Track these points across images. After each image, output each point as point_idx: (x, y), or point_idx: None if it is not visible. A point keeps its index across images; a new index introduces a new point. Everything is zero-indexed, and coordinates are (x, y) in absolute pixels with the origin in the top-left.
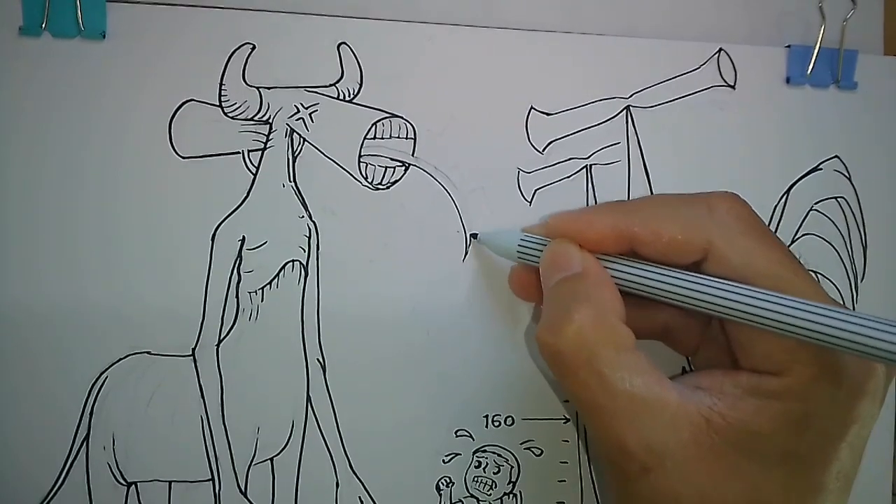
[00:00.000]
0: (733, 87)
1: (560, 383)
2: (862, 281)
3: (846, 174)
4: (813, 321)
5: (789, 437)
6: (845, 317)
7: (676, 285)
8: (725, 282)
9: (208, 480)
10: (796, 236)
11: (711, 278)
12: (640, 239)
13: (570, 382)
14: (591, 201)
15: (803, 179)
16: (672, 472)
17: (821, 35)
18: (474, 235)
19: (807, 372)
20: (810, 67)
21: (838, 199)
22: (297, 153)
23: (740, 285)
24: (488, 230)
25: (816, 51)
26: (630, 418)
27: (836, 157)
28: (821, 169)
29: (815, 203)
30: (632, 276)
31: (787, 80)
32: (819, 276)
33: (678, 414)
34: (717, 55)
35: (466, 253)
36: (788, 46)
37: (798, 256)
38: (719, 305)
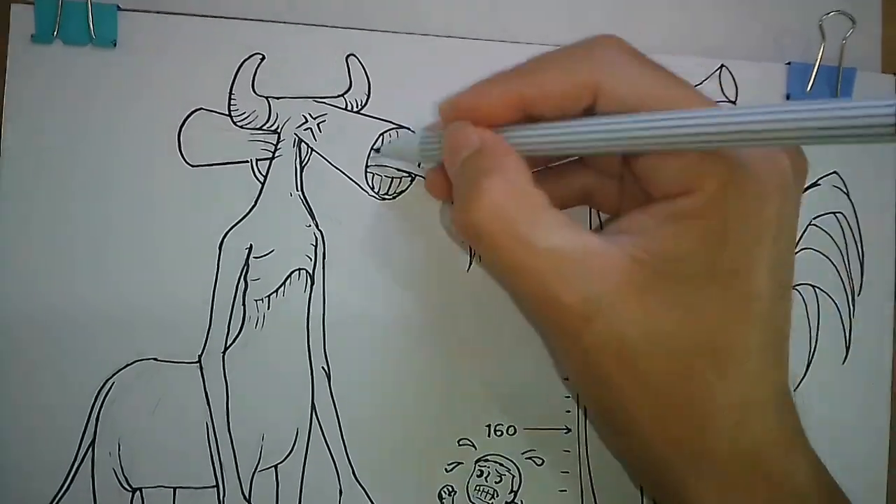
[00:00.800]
0: (734, 102)
1: (484, 258)
2: (859, 295)
3: (844, 190)
4: (707, 125)
5: (712, 252)
6: (736, 112)
7: (571, 133)
8: (616, 116)
9: (213, 487)
10: (795, 251)
11: (603, 117)
12: (529, 98)
13: (493, 253)
14: (593, 213)
15: (802, 195)
16: (612, 316)
17: (821, 52)
18: (377, 150)
19: (713, 183)
20: (810, 84)
21: (836, 215)
22: (304, 163)
23: (631, 115)
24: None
25: (816, 68)
26: (559, 274)
27: (834, 172)
28: (819, 184)
29: (814, 218)
30: (528, 139)
31: (788, 97)
32: (817, 289)
33: (605, 260)
34: (718, 71)
35: (471, 262)
36: (789, 63)
37: (797, 271)
38: (615, 140)
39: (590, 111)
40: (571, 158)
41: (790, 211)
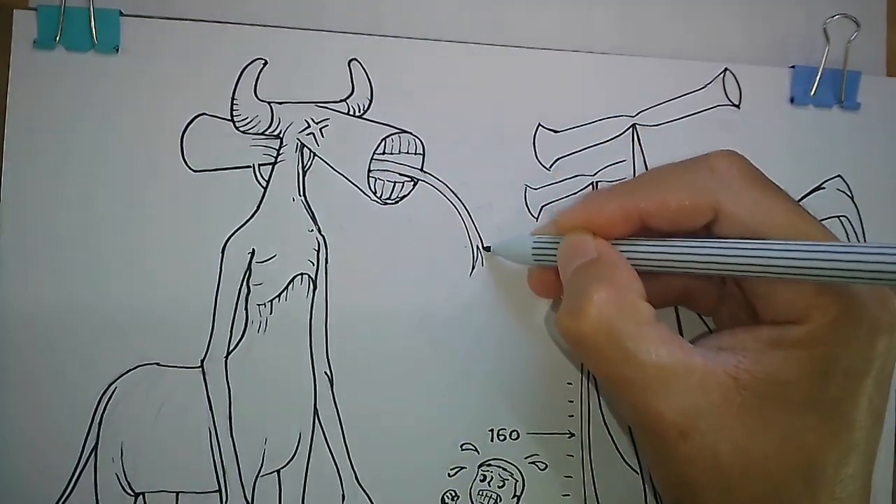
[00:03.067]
0: (738, 106)
1: (587, 365)
2: None
3: (848, 193)
4: (827, 260)
5: (816, 382)
6: (858, 249)
7: (688, 254)
8: (735, 241)
9: (215, 492)
10: None
11: (721, 240)
12: (648, 212)
13: (597, 362)
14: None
15: (807, 198)
16: (708, 433)
17: (825, 56)
18: (487, 248)
19: (826, 316)
20: (814, 88)
21: (841, 218)
22: (307, 167)
23: (750, 241)
24: (497, 241)
25: (820, 72)
26: (661, 388)
27: (838, 176)
28: (824, 188)
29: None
30: (644, 254)
31: (792, 101)
32: None
33: (706, 377)
34: (722, 75)
35: (474, 267)
36: (793, 67)
37: None
38: (732, 265)
39: (706, 230)
40: None
41: (895, 346)
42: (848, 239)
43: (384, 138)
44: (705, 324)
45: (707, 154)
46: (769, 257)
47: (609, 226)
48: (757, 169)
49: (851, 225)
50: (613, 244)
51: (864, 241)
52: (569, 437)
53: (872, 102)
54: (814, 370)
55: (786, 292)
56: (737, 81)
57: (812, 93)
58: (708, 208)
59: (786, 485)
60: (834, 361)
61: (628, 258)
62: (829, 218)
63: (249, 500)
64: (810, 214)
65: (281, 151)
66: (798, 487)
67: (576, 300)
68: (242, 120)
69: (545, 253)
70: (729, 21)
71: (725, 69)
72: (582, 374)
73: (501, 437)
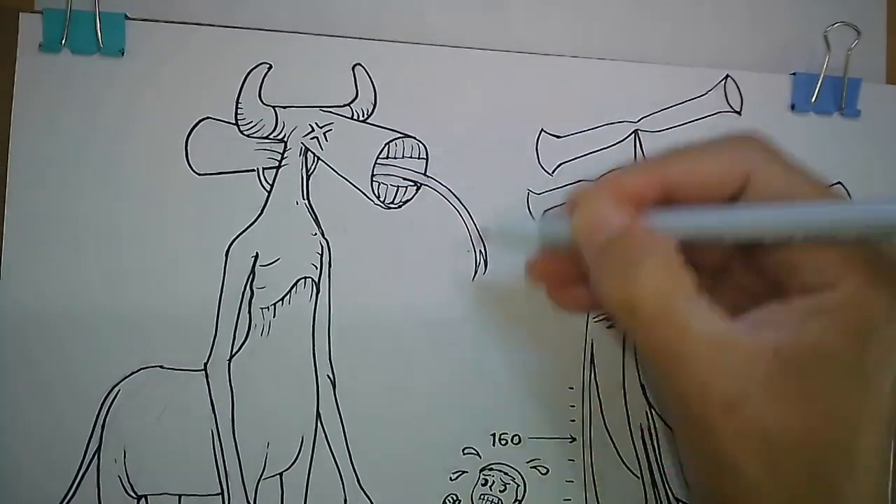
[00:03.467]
0: (739, 113)
1: (633, 335)
2: None
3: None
4: (865, 216)
5: (855, 348)
6: (886, 206)
7: (725, 218)
8: (771, 204)
9: (218, 494)
10: None
11: (758, 204)
12: (674, 181)
13: (646, 331)
14: None
15: None
16: (755, 406)
17: (825, 63)
18: (484, 233)
19: (859, 278)
20: (815, 95)
21: None
22: (311, 171)
23: (790, 204)
24: (496, 224)
25: (821, 79)
26: (709, 360)
27: (838, 183)
28: None
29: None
30: (679, 223)
31: (792, 107)
32: None
33: (749, 351)
34: (723, 82)
35: (476, 272)
36: (794, 74)
37: None
38: (776, 229)
39: (734, 200)
40: None
41: None
42: None
43: (388, 143)
44: None
45: (737, 133)
46: (810, 218)
47: (636, 193)
48: (781, 148)
49: None
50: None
51: None
52: (570, 442)
53: (872, 110)
54: (851, 336)
55: (817, 257)
56: (738, 88)
57: (813, 100)
58: (740, 177)
59: (829, 458)
60: (870, 325)
61: (664, 227)
62: None
63: (252, 502)
64: (837, 190)
65: (285, 155)
66: (838, 459)
67: (622, 270)
68: (247, 124)
69: (558, 235)
70: (730, 28)
71: (727, 76)
72: (583, 378)
73: (503, 442)
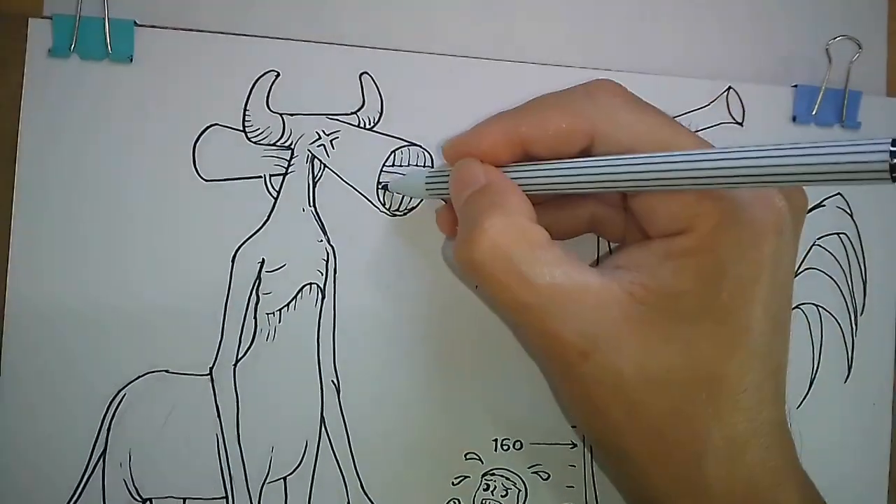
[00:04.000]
0: (741, 124)
1: (485, 292)
2: (861, 315)
3: (848, 211)
4: (697, 167)
5: (708, 289)
6: (725, 154)
7: (568, 173)
8: (609, 157)
9: (222, 498)
10: (799, 270)
11: (600, 158)
12: (528, 137)
13: (493, 289)
14: (602, 242)
15: (807, 215)
16: (609, 351)
17: (827, 76)
18: (385, 186)
19: (709, 222)
20: (816, 107)
21: (840, 235)
22: (317, 179)
23: (622, 157)
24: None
25: (822, 91)
26: (558, 310)
27: (838, 194)
28: (824, 205)
29: (818, 238)
30: (529, 177)
31: (794, 119)
32: (820, 309)
33: (602, 295)
34: (726, 93)
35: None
36: (795, 86)
37: (801, 290)
38: (610, 180)
39: (586, 153)
40: None
41: (786, 249)
42: (847, 257)
43: (394, 151)
44: None
45: (587, 82)
46: (643, 169)
47: (493, 151)
48: (633, 94)
49: (850, 242)
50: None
51: (863, 260)
52: (571, 448)
53: (873, 122)
54: (704, 278)
55: (668, 204)
56: (740, 100)
57: (814, 112)
58: (584, 132)
59: (689, 397)
60: (722, 267)
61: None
62: (828, 235)
63: None
64: (687, 129)
65: (292, 162)
66: (700, 397)
67: (468, 229)
68: (254, 131)
69: (439, 185)
70: (733, 41)
71: (729, 87)
72: None
73: (505, 447)
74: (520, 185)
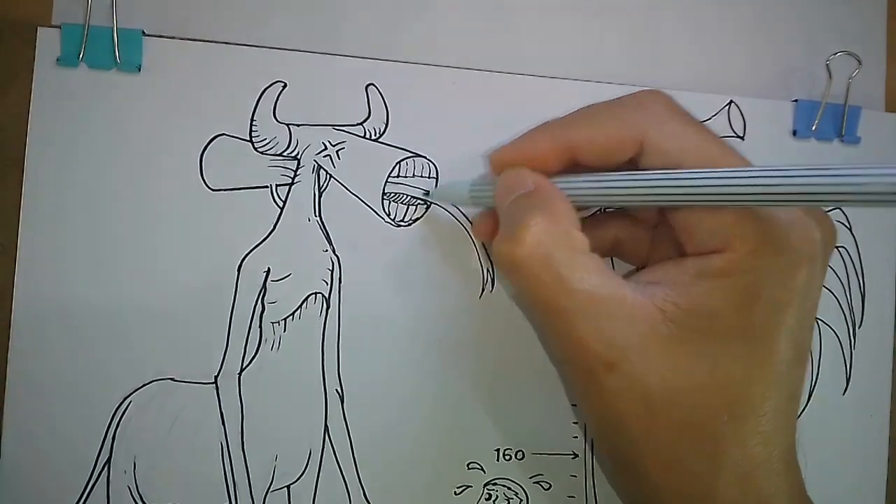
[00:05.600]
0: (742, 137)
1: (519, 292)
2: (860, 327)
3: (847, 225)
4: (742, 185)
5: (740, 311)
6: (768, 173)
7: (617, 186)
8: (658, 171)
9: None
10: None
11: (646, 171)
12: (577, 146)
13: (529, 287)
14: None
15: None
16: (636, 364)
17: (827, 91)
18: (426, 193)
19: (747, 244)
20: (816, 122)
21: (839, 249)
22: (323, 189)
23: (672, 171)
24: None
25: (822, 106)
26: (590, 317)
27: (838, 208)
28: None
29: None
30: (578, 188)
31: (794, 133)
32: (819, 322)
33: (634, 308)
34: (727, 107)
35: (483, 290)
36: (796, 101)
37: None
38: (657, 194)
39: (633, 163)
40: (609, 209)
41: (817, 280)
42: (846, 271)
43: (399, 161)
44: None
45: (635, 92)
46: (688, 185)
47: (542, 160)
48: (681, 107)
49: (850, 256)
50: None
51: (862, 273)
52: (573, 458)
53: (871, 137)
54: (737, 299)
55: (707, 222)
56: (741, 113)
57: (814, 126)
58: (634, 141)
59: (711, 416)
60: (756, 290)
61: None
62: None
63: None
64: (729, 145)
65: (298, 172)
66: (723, 419)
67: (512, 227)
68: (261, 141)
69: (483, 194)
70: (735, 55)
71: (731, 101)
72: None
73: (507, 457)
74: (567, 195)
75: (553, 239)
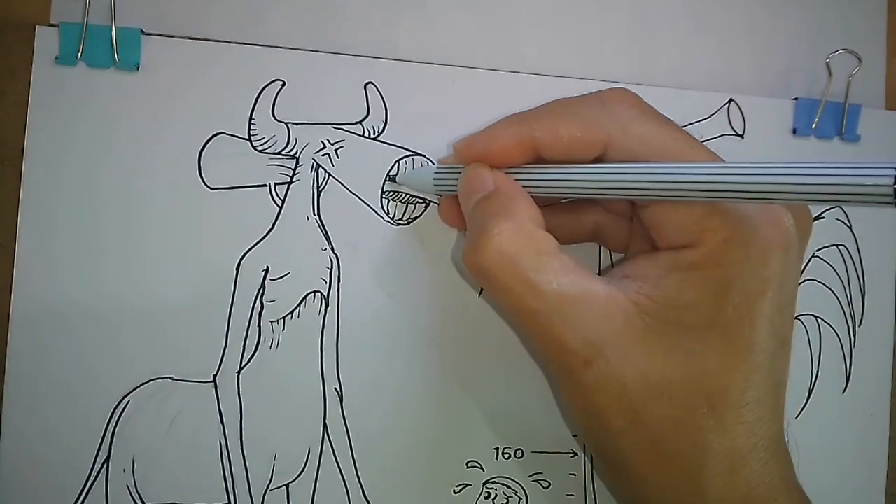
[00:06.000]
0: (742, 136)
1: (493, 298)
2: (860, 326)
3: (847, 223)
4: (706, 179)
5: (714, 303)
6: (734, 168)
7: (580, 178)
8: (621, 165)
9: None
10: (798, 281)
11: (611, 164)
12: (541, 142)
13: (500, 295)
14: (603, 250)
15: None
16: (613, 359)
17: (827, 89)
18: (392, 178)
19: (718, 237)
20: (816, 120)
21: (839, 247)
22: (321, 187)
23: (634, 164)
24: (401, 172)
25: (822, 104)
26: (563, 317)
27: (837, 206)
28: (823, 217)
29: (817, 250)
30: (540, 181)
31: (794, 132)
32: (819, 320)
33: (608, 304)
34: (727, 105)
35: (482, 289)
36: (796, 99)
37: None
38: (621, 187)
39: (598, 161)
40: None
41: (792, 267)
42: (846, 269)
43: (398, 160)
44: None
45: (601, 90)
46: (650, 179)
47: (504, 153)
48: (648, 105)
49: (850, 254)
50: (509, 172)
51: (862, 272)
52: (572, 457)
53: (872, 135)
54: (710, 292)
55: (677, 216)
56: (741, 112)
57: (814, 125)
58: (598, 141)
59: (691, 408)
60: (728, 282)
61: (524, 186)
62: (827, 247)
63: None
64: (699, 142)
65: (297, 171)
66: (701, 409)
67: (476, 235)
68: (260, 139)
69: (447, 182)
70: (735, 53)
71: (730, 100)
72: None
73: (506, 456)
74: (529, 188)
75: (517, 245)
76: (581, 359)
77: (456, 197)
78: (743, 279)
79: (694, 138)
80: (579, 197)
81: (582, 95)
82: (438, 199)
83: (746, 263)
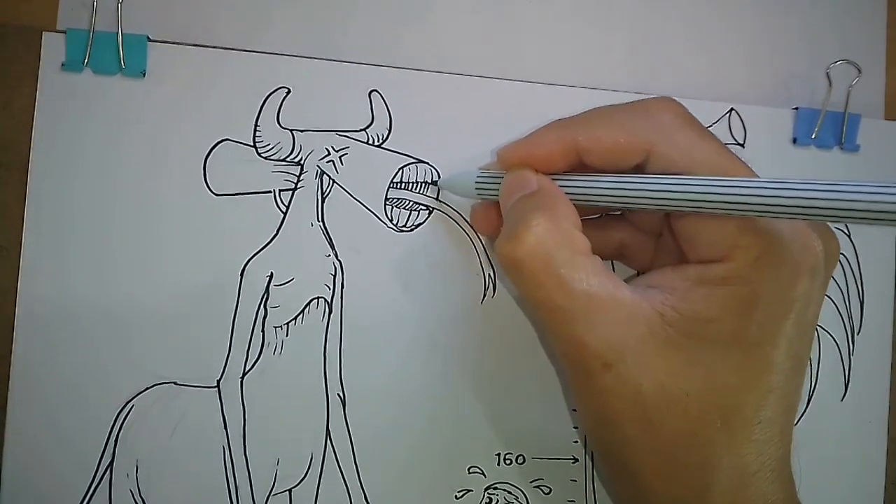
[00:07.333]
0: (742, 145)
1: (520, 292)
2: (858, 334)
3: (846, 232)
4: (748, 194)
5: (738, 320)
6: (776, 185)
7: (623, 187)
8: (662, 176)
9: None
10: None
11: (652, 175)
12: (584, 148)
13: (529, 287)
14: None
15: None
16: (632, 366)
17: (827, 99)
18: (434, 183)
19: (749, 255)
20: (816, 129)
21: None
22: (326, 194)
23: (676, 176)
24: (445, 176)
25: (822, 114)
26: (589, 317)
27: (844, 223)
28: None
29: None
30: (581, 188)
31: (794, 141)
32: (818, 328)
33: (634, 311)
34: (728, 114)
35: (485, 295)
36: (796, 109)
37: None
38: (661, 198)
39: (639, 169)
40: (614, 213)
41: (816, 293)
42: (845, 277)
43: (402, 167)
44: None
45: (646, 98)
46: (692, 191)
47: (548, 158)
48: (691, 115)
49: (849, 262)
50: (553, 178)
51: (861, 280)
52: (573, 463)
53: (871, 145)
54: (735, 308)
55: (710, 231)
56: (742, 121)
57: (814, 134)
58: (641, 148)
59: (705, 422)
60: (754, 300)
61: (566, 192)
62: None
63: None
64: (737, 156)
65: (301, 178)
66: (717, 426)
67: (514, 227)
68: (265, 146)
69: (488, 187)
70: (736, 63)
71: (731, 109)
72: None
73: (508, 462)
74: (570, 195)
75: (554, 239)
76: (601, 361)
77: (490, 203)
78: (769, 299)
79: (733, 153)
80: (618, 207)
81: (626, 103)
82: (442, 207)
83: (775, 283)
